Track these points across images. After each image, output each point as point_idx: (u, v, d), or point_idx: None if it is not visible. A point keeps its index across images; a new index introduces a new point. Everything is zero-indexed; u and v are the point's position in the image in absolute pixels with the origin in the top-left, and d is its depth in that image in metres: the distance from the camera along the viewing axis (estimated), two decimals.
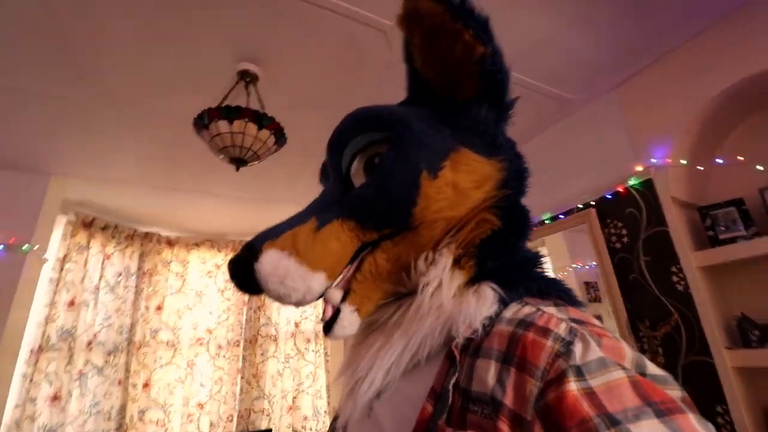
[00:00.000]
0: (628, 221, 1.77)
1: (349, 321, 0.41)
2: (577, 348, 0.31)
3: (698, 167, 1.65)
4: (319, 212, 0.43)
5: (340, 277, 0.43)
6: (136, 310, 2.94)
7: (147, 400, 2.82)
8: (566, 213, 2.04)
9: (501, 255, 0.42)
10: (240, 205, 2.94)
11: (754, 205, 1.53)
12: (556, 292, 0.41)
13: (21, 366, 2.25)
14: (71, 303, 2.55)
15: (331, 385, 3.15)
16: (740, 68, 1.47)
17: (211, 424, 2.98)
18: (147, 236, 3.12)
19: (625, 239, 1.77)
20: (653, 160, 1.70)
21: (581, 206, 1.96)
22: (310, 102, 1.84)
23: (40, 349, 2.35)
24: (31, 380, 2.28)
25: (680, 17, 1.52)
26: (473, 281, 0.41)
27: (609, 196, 1.85)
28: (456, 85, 0.45)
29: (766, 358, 1.33)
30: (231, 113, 1.37)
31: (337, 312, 0.41)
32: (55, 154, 2.20)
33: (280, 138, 1.53)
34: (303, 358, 3.24)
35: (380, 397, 0.39)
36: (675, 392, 0.30)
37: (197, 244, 3.36)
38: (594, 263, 1.97)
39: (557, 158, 2.12)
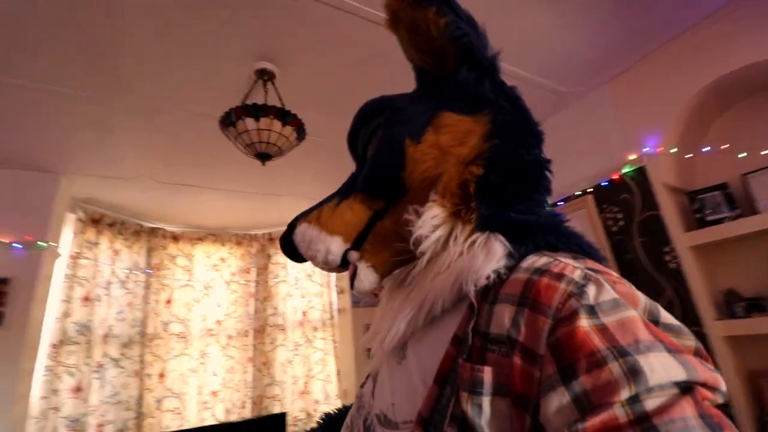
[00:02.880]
0: (624, 206, 1.91)
1: (365, 275, 0.47)
2: (591, 290, 0.31)
3: (686, 155, 1.78)
4: (342, 193, 0.52)
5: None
6: (147, 304, 3.01)
7: (163, 390, 2.91)
8: (564, 200, 2.17)
9: (498, 203, 0.43)
10: (243, 200, 2.99)
11: (737, 188, 1.68)
12: (575, 245, 0.41)
13: (43, 359, 2.31)
14: (86, 298, 2.60)
15: (341, 369, 3.27)
16: (724, 63, 1.59)
17: (226, 411, 3.09)
18: (153, 232, 3.17)
19: (621, 223, 1.91)
20: (645, 149, 1.83)
21: (579, 193, 2.09)
22: (324, 99, 1.91)
23: (60, 343, 2.41)
24: (53, 373, 2.34)
25: (668, 15, 1.63)
26: (480, 230, 0.42)
27: (605, 183, 1.98)
28: (440, 62, 0.50)
29: (750, 328, 1.48)
30: (257, 111, 1.45)
31: (356, 269, 0.48)
32: (65, 153, 2.23)
33: (301, 133, 1.61)
34: (311, 345, 3.35)
35: (408, 347, 0.43)
36: (689, 342, 0.32)
37: (201, 239, 3.42)
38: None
39: (554, 149, 2.23)
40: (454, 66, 0.49)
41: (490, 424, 0.31)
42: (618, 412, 0.25)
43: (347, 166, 0.59)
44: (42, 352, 2.29)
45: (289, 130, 1.51)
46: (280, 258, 3.51)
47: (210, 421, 2.99)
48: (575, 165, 2.13)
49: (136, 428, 2.72)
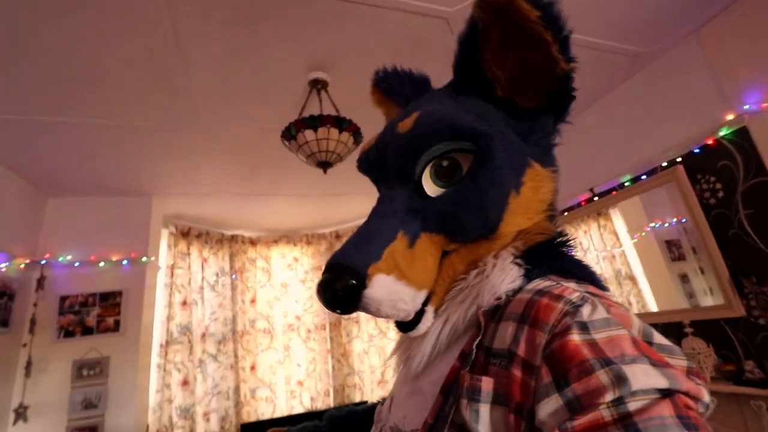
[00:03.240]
0: (723, 174, 1.67)
1: (429, 320, 0.43)
2: (585, 309, 0.33)
3: None
4: (404, 225, 0.43)
5: None
6: (235, 304, 3.29)
7: (255, 381, 3.19)
8: (648, 173, 1.95)
9: (548, 256, 0.43)
10: (309, 202, 3.14)
11: None
12: (580, 272, 0.42)
13: (155, 358, 2.65)
14: (184, 303, 2.92)
15: None
16: None
17: (312, 399, 3.31)
18: (233, 238, 3.44)
19: (720, 194, 1.68)
20: (746, 107, 1.58)
21: (665, 164, 1.87)
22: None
23: (167, 343, 2.74)
24: (164, 369, 2.68)
25: None
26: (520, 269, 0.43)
27: (697, 150, 1.75)
28: (523, 92, 0.44)
29: None
30: (315, 122, 1.49)
31: (420, 313, 0.43)
32: (154, 177, 2.50)
33: (358, 137, 1.63)
34: (385, 336, 3.44)
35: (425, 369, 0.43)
36: (681, 362, 0.32)
37: (276, 241, 3.64)
38: (674, 220, 1.89)
39: (633, 116, 2.02)
40: (535, 107, 0.45)
41: (488, 430, 0.33)
42: (603, 413, 0.27)
43: None
44: (154, 351, 2.62)
45: (346, 136, 1.53)
46: None
47: (298, 409, 3.22)
48: (659, 133, 1.91)
49: (235, 416, 3.01)
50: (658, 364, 0.29)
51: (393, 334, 3.44)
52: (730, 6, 1.62)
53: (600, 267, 2.31)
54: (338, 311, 0.40)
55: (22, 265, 2.22)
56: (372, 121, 2.08)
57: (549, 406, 0.29)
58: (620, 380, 0.27)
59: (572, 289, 0.36)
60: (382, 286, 0.39)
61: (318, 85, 1.72)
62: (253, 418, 3.03)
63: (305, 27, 1.48)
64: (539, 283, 0.39)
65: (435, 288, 0.44)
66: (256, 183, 2.73)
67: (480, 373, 0.35)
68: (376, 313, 0.40)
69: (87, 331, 2.37)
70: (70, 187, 2.45)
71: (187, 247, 3.05)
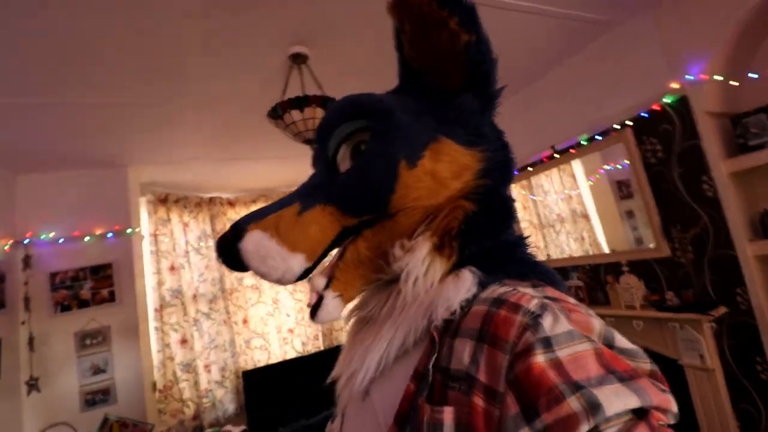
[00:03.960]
0: (663, 137, 1.92)
1: (333, 306, 0.43)
2: (546, 321, 0.32)
3: (732, 82, 1.73)
4: (304, 197, 0.45)
5: (327, 266, 0.46)
6: (221, 265, 3.40)
7: (249, 333, 3.43)
8: (602, 134, 2.18)
9: (480, 242, 0.42)
10: (289, 162, 3.17)
11: None
12: (535, 273, 0.42)
13: (152, 322, 2.80)
14: (172, 268, 3.01)
15: None
16: None
17: (303, 344, 3.63)
18: (212, 201, 3.47)
19: (660, 154, 1.94)
20: (688, 77, 1.78)
21: (618, 126, 2.09)
22: (358, 69, 1.96)
23: (161, 307, 2.87)
24: (162, 331, 2.84)
25: None
26: (456, 267, 0.42)
27: (645, 115, 1.97)
28: (443, 75, 0.45)
29: None
30: (300, 102, 1.55)
31: (320, 298, 0.43)
32: (130, 148, 2.44)
33: None
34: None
35: (374, 383, 0.41)
36: (645, 365, 0.33)
37: (254, 200, 3.70)
38: (627, 162, 2.13)
39: (591, 80, 2.19)
40: (459, 86, 0.45)
41: None
42: None
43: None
44: (150, 316, 2.76)
45: None
46: None
47: (291, 354, 3.55)
48: (614, 96, 2.10)
49: (234, 365, 3.29)
50: (627, 379, 0.29)
51: None
52: None
53: (558, 207, 2.62)
54: (224, 263, 0.44)
55: (7, 247, 2.22)
56: (350, 90, 2.13)
57: None
58: (593, 407, 0.27)
59: (530, 296, 0.35)
60: (252, 240, 0.41)
61: (298, 60, 1.74)
62: (250, 365, 3.32)
63: (285, 3, 1.48)
64: (494, 290, 0.38)
65: (336, 273, 0.44)
66: (236, 149, 2.74)
67: (439, 399, 0.34)
68: (255, 270, 0.42)
69: (83, 303, 2.45)
70: (40, 162, 2.36)
71: (167, 214, 3.07)
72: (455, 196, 0.43)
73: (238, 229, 0.42)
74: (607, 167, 2.29)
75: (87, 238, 2.48)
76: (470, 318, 0.36)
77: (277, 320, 3.60)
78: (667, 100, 1.87)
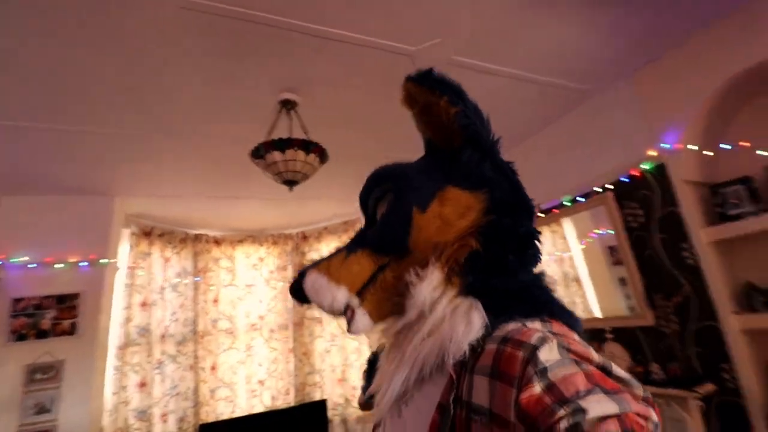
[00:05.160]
0: (643, 202, 1.93)
1: (362, 321, 0.53)
2: (542, 353, 0.37)
3: (706, 152, 1.77)
4: (351, 245, 0.58)
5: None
6: (197, 304, 3.30)
7: (216, 381, 3.22)
8: (585, 195, 2.19)
9: (485, 274, 0.49)
10: (277, 204, 3.19)
11: (762, 182, 1.66)
12: (549, 312, 0.47)
13: (112, 360, 2.63)
14: (143, 303, 2.90)
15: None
16: (745, 57, 1.57)
17: (272, 398, 3.39)
18: (197, 238, 3.43)
19: (641, 219, 1.94)
20: (664, 145, 1.83)
21: (599, 189, 2.11)
22: (344, 119, 2.03)
23: (125, 345, 2.72)
24: (121, 371, 2.66)
25: (689, 11, 1.60)
26: (463, 294, 0.48)
27: (625, 180, 2.00)
28: (447, 139, 0.57)
29: None
30: (282, 144, 1.58)
31: (353, 314, 0.53)
32: (118, 178, 2.47)
33: (324, 157, 1.73)
34: (348, 336, 3.56)
35: (407, 403, 0.49)
36: (638, 392, 0.36)
37: (241, 241, 3.66)
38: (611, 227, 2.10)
39: (573, 144, 2.26)
40: (460, 145, 0.55)
41: None
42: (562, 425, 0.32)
43: (368, 169, 0.64)
44: (110, 354, 2.60)
45: (312, 158, 1.63)
46: (314, 254, 3.72)
47: (259, 408, 3.29)
48: (594, 161, 2.15)
49: (194, 416, 3.04)
50: (611, 392, 0.33)
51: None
52: (661, 57, 1.86)
53: (550, 269, 2.56)
54: (295, 298, 0.57)
55: None
56: (339, 141, 2.20)
57: None
58: (576, 412, 0.31)
59: (533, 331, 0.40)
60: (310, 279, 0.54)
61: (288, 105, 1.80)
62: (212, 418, 3.07)
63: (281, 56, 1.56)
64: (503, 327, 0.44)
65: (366, 294, 0.54)
66: (225, 187, 2.77)
67: (462, 429, 0.39)
68: (312, 299, 0.53)
69: (41, 334, 2.32)
70: (27, 185, 2.37)
71: (148, 247, 3.02)
72: (463, 234, 0.51)
73: (302, 273, 0.56)
74: (598, 231, 2.27)
75: (59, 265, 2.41)
76: (485, 356, 0.41)
77: (248, 369, 3.39)
78: (645, 166, 1.90)
